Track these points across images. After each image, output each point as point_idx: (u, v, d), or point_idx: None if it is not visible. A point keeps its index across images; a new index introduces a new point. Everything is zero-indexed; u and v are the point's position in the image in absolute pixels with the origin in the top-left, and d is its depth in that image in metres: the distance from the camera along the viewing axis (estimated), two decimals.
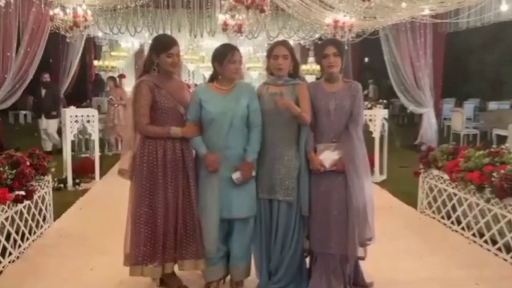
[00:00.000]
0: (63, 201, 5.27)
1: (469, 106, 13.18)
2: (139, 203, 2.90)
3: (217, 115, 2.86)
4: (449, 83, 11.54)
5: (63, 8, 8.11)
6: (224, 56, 2.86)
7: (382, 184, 6.40)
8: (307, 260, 3.11)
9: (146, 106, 2.88)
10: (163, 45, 2.90)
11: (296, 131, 2.93)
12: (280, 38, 13.08)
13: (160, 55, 2.89)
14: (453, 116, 10.54)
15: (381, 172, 6.81)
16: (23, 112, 14.38)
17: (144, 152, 2.91)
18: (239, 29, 8.54)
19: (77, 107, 7.40)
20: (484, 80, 15.96)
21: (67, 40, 8.84)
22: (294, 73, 2.97)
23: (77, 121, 6.25)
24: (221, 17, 8.80)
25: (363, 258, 3.01)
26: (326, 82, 2.98)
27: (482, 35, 13.10)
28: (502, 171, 3.58)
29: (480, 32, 10.80)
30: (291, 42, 14.09)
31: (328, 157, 2.87)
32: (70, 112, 6.29)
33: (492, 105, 13.45)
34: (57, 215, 4.72)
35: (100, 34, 12.92)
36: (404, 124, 14.38)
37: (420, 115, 9.60)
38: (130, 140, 3.01)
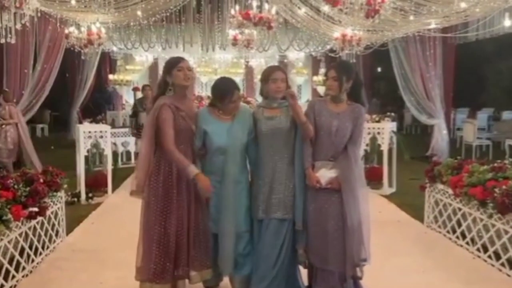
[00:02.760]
0: (76, 215, 5.41)
1: (483, 116, 13.01)
2: (154, 222, 2.96)
3: (225, 145, 2.97)
4: (462, 93, 11.46)
5: (78, 26, 8.39)
6: (225, 97, 2.98)
7: (390, 197, 6.41)
8: (305, 271, 3.15)
9: (172, 129, 2.93)
10: (172, 63, 3.03)
11: (293, 151, 3.01)
12: (291, 50, 13.28)
13: (172, 72, 2.99)
14: (464, 127, 10.42)
15: (390, 185, 6.81)
16: (40, 125, 14.73)
17: (159, 172, 2.98)
18: (248, 44, 8.70)
19: (92, 121, 7.59)
20: (499, 89, 15.79)
21: (82, 57, 9.10)
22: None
23: (90, 136, 6.41)
24: (231, 32, 8.98)
25: (360, 278, 3.01)
26: (331, 102, 3.05)
27: (494, 46, 13.01)
28: (504, 187, 3.60)
29: (492, 43, 10.73)
30: (302, 54, 14.39)
31: (324, 174, 2.94)
32: (84, 128, 6.47)
33: (507, 115, 13.24)
34: (69, 229, 4.84)
35: (114, 48, 13.25)
36: (417, 134, 14.30)
37: (432, 126, 9.60)
38: (147, 162, 3.04)
